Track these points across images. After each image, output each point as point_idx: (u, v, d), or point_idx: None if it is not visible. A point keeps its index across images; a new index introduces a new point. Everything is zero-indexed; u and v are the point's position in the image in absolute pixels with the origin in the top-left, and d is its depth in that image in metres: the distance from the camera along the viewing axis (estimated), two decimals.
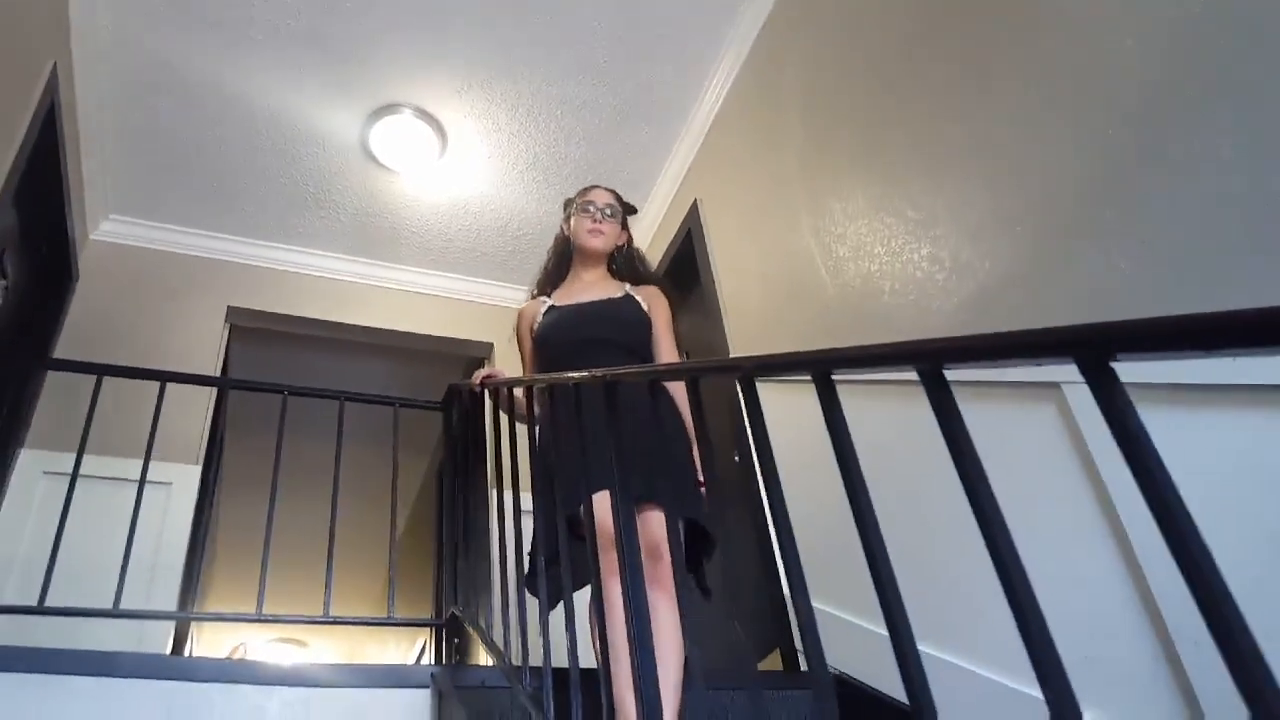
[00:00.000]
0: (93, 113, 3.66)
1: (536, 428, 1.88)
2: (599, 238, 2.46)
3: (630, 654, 1.15)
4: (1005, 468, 1.93)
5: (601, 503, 1.60)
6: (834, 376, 0.82)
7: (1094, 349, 0.55)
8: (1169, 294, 1.71)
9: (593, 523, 1.48)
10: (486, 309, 4.81)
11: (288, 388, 2.79)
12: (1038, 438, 1.96)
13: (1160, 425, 1.59)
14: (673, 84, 3.84)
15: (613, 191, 2.60)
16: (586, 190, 2.60)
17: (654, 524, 1.87)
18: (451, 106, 3.88)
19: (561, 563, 1.50)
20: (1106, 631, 1.71)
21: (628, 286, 2.45)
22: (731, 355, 3.42)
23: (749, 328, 3.41)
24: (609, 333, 2.30)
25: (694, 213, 3.96)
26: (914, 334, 2.43)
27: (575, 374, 1.42)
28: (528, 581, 1.87)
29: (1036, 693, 0.65)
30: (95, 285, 4.03)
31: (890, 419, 2.38)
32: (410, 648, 6.85)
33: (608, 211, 2.50)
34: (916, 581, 1.96)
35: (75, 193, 3.76)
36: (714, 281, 3.69)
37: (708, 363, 1.97)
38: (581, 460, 1.48)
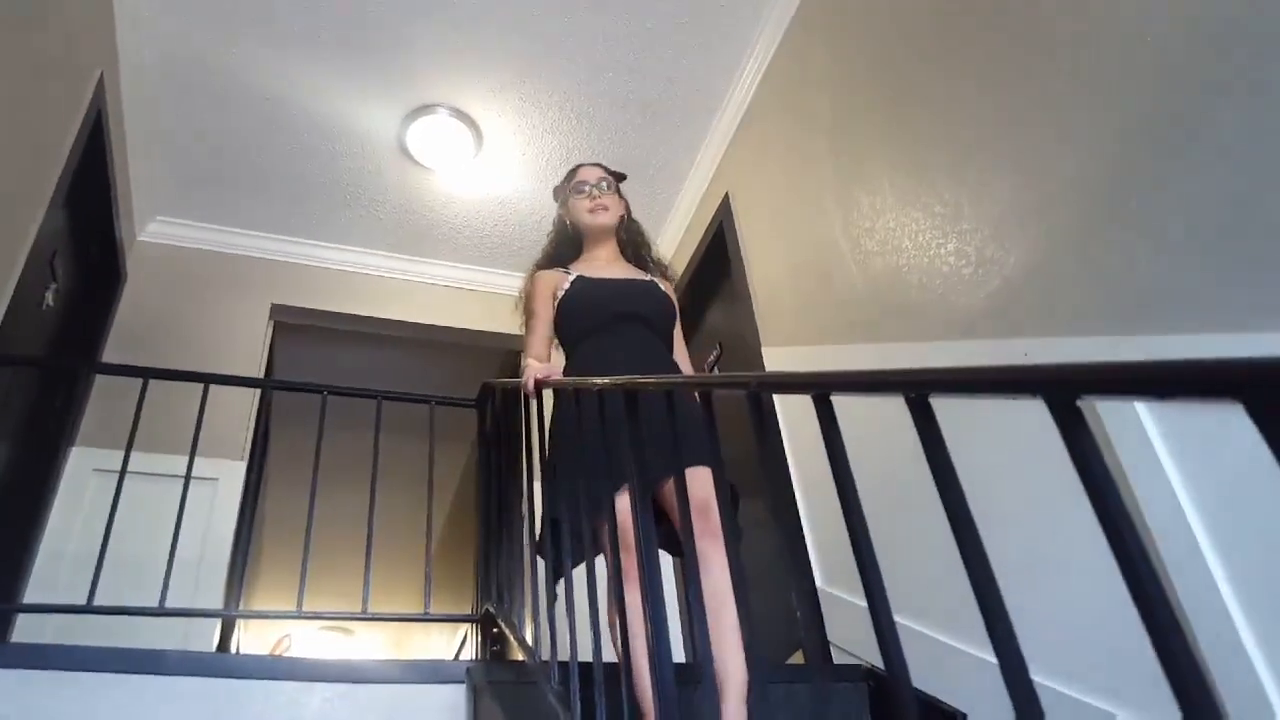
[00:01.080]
0: (138, 117, 3.76)
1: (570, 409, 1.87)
2: (604, 214, 2.43)
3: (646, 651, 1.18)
4: (1024, 461, 1.94)
5: (623, 501, 1.61)
6: (832, 397, 0.83)
7: (1063, 389, 0.56)
8: (1190, 287, 1.68)
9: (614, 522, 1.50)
10: None
11: (327, 388, 2.86)
12: (1049, 426, 1.94)
13: (1187, 426, 1.58)
14: (703, 79, 3.84)
15: (599, 165, 2.58)
16: (573, 172, 2.57)
17: (702, 480, 1.81)
18: (486, 105, 3.92)
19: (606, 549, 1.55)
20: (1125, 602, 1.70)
21: (644, 273, 2.46)
22: (762, 344, 3.43)
23: (779, 319, 3.41)
24: (640, 308, 2.29)
25: (725, 205, 3.96)
26: (942, 328, 2.41)
27: (609, 381, 1.43)
28: (538, 546, 1.91)
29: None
30: (142, 285, 4.15)
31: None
32: (453, 635, 6.97)
33: (603, 186, 2.47)
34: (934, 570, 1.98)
35: (122, 195, 3.87)
36: (745, 273, 3.69)
37: (717, 378, 2.00)
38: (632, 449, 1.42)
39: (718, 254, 3.95)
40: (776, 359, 3.30)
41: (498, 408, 2.67)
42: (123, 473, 2.58)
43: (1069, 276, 2.00)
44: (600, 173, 2.50)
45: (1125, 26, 1.90)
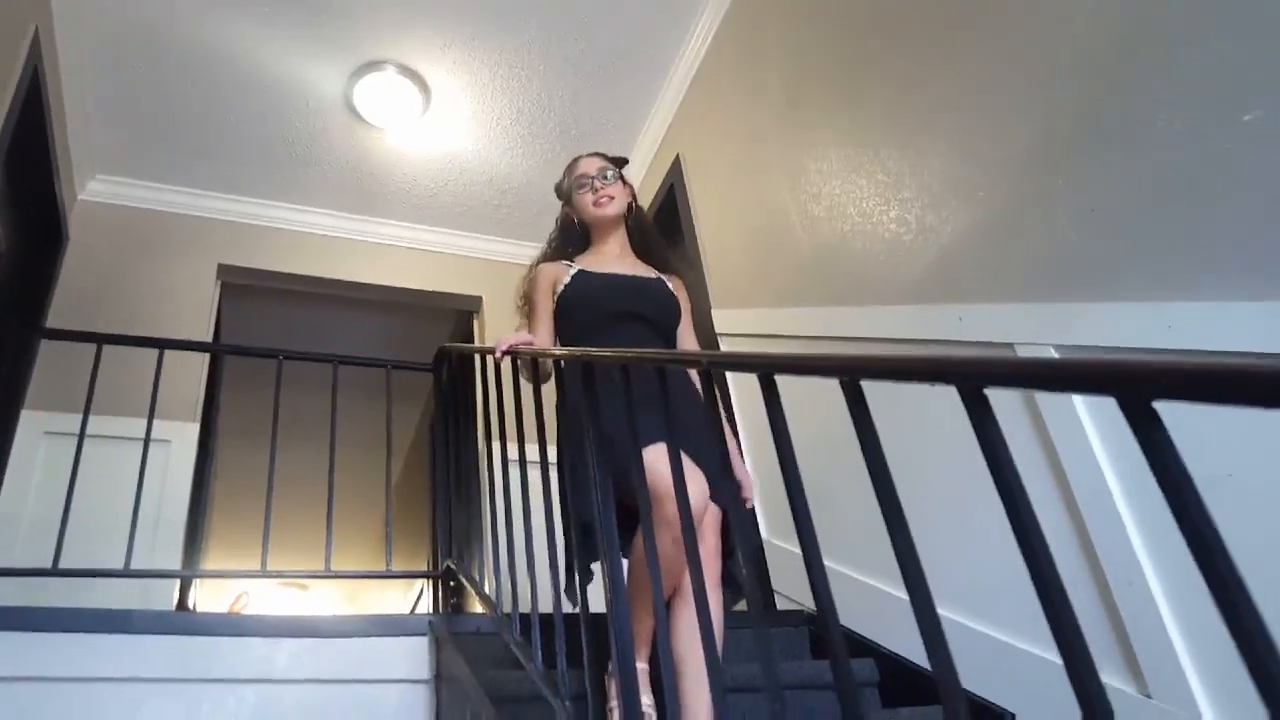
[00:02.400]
0: (75, 74, 3.67)
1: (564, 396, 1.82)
2: (609, 204, 2.32)
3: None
4: (959, 422, 2.07)
5: (653, 454, 1.57)
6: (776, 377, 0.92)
7: (968, 379, 0.65)
8: (1112, 259, 1.81)
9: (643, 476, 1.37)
10: (475, 262, 4.88)
11: (282, 352, 2.88)
12: (995, 396, 2.07)
13: None
14: (654, 39, 3.87)
15: (599, 154, 2.47)
16: (573, 166, 2.45)
17: (697, 488, 1.76)
18: (434, 63, 3.89)
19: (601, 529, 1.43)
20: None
21: (654, 270, 2.36)
22: (712, 306, 3.52)
23: (729, 281, 3.50)
24: (643, 308, 2.20)
25: (676, 168, 4.01)
26: (884, 292, 2.52)
27: (597, 350, 1.41)
28: (568, 592, 1.76)
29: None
30: (86, 246, 4.09)
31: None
32: (409, 588, 7.07)
33: (606, 175, 2.35)
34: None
35: (61, 154, 3.79)
36: (696, 236, 3.76)
37: (674, 354, 2.05)
38: (628, 423, 1.36)
39: (669, 215, 4.01)
40: (726, 321, 3.40)
41: (454, 371, 2.72)
42: (81, 437, 2.60)
43: (1001, 247, 2.12)
44: (600, 162, 2.39)
45: (1055, 14, 1.99)
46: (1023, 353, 2.00)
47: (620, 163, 2.44)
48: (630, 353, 1.18)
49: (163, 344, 2.83)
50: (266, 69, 3.83)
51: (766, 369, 0.88)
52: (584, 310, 2.19)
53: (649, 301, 2.23)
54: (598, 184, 2.33)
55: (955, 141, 2.29)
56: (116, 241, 4.19)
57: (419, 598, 6.41)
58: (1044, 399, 1.93)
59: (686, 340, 2.34)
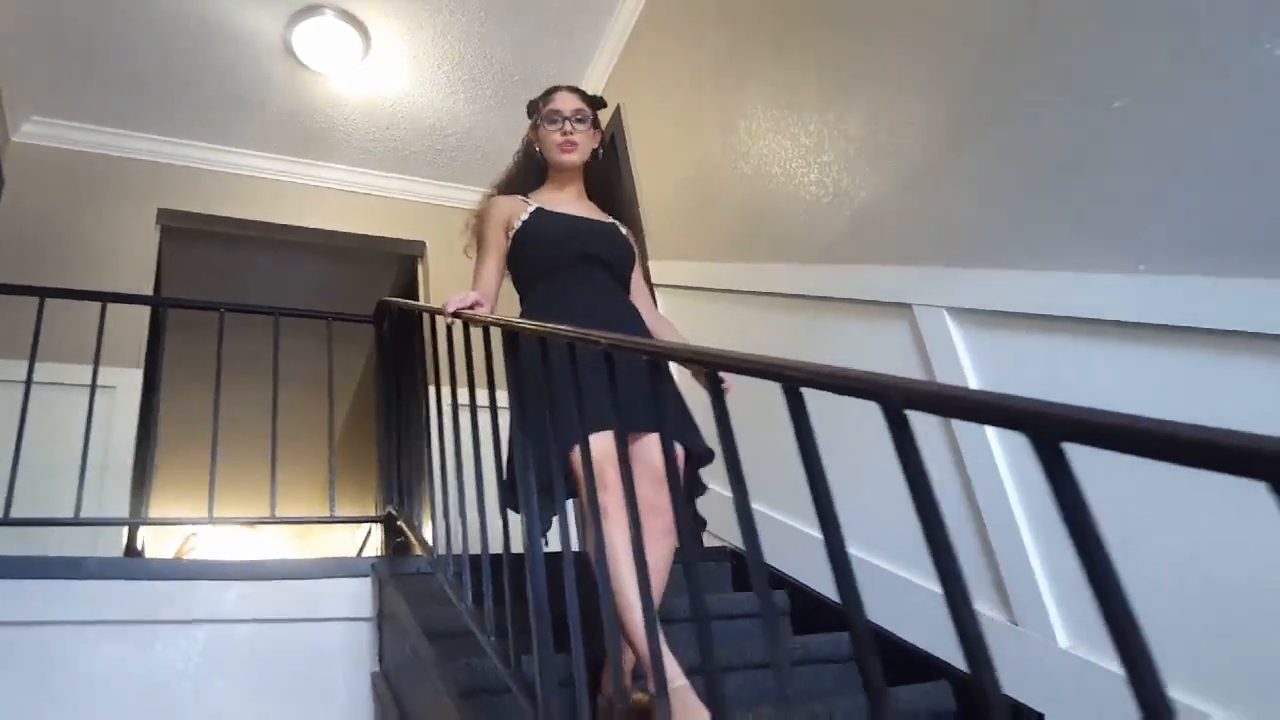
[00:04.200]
0: (3, 7, 3.59)
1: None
2: (572, 151, 2.21)
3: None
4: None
5: (599, 443, 1.59)
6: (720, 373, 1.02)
7: (887, 399, 0.74)
8: (999, 229, 1.96)
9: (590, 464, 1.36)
10: (419, 207, 4.90)
11: (223, 305, 2.94)
12: (892, 350, 2.25)
13: (986, 346, 1.87)
14: None
15: (578, 91, 2.31)
16: (550, 94, 2.29)
17: (656, 451, 1.82)
18: (374, 7, 3.87)
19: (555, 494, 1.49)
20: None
21: (607, 215, 2.30)
22: (649, 257, 3.62)
23: (664, 233, 3.60)
24: (601, 251, 2.16)
25: (618, 117, 4.07)
26: (804, 251, 2.66)
27: (569, 332, 1.34)
28: (506, 499, 1.78)
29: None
30: (22, 188, 4.03)
31: (778, 326, 2.68)
32: (357, 530, 7.20)
33: (578, 118, 2.22)
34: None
35: None
36: (635, 187, 3.85)
37: (634, 344, 2.12)
38: (578, 402, 1.35)
39: (610, 164, 4.07)
40: (661, 272, 3.52)
41: (395, 323, 2.81)
42: (27, 391, 2.64)
43: (905, 212, 2.27)
44: (577, 102, 2.25)
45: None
46: (919, 313, 2.16)
47: (598, 103, 2.33)
48: (603, 336, 1.21)
49: (105, 297, 2.86)
50: (204, 10, 3.77)
51: (711, 365, 0.99)
52: (545, 251, 2.12)
53: (605, 245, 2.18)
54: (567, 126, 2.21)
55: (871, 110, 2.41)
56: (54, 184, 4.15)
57: (367, 537, 6.55)
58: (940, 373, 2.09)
59: (640, 288, 2.32)
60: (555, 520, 1.49)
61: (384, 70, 4.18)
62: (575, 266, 2.11)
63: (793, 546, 2.46)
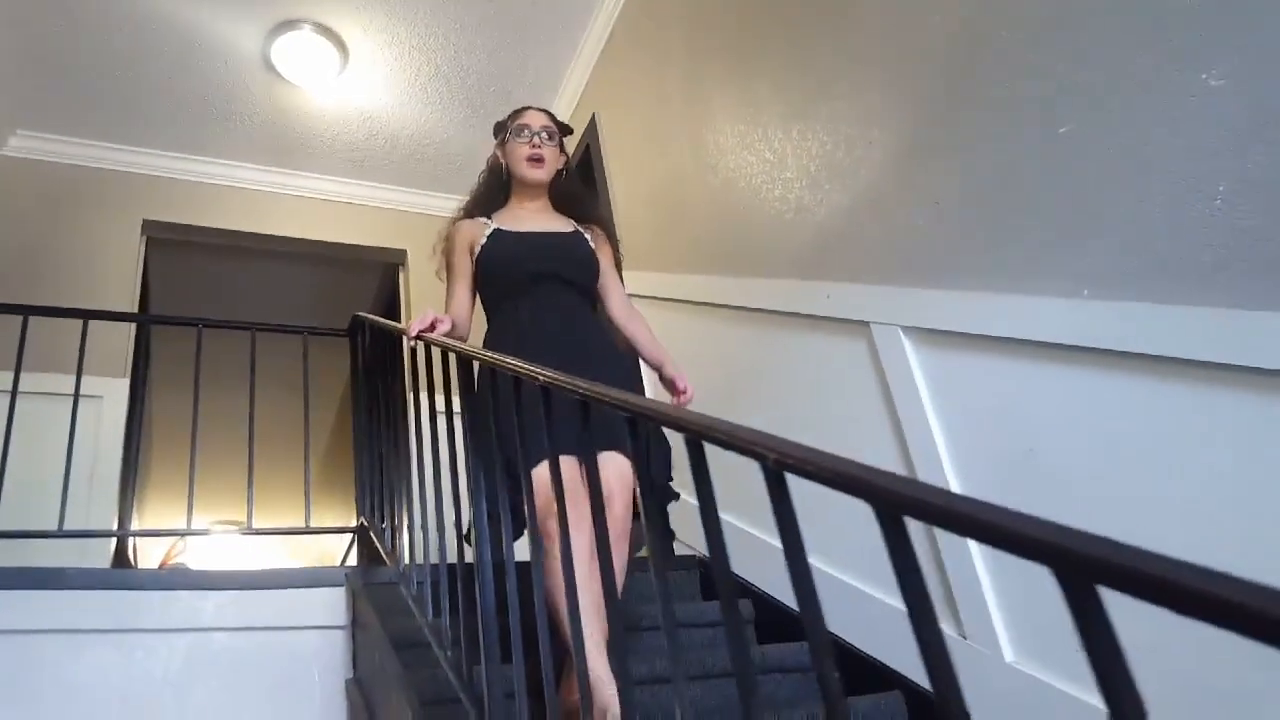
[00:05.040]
0: None
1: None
2: (539, 168, 2.23)
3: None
4: (825, 388, 2.32)
5: (543, 472, 1.51)
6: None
7: (886, 503, 0.67)
8: (952, 251, 2.03)
9: (532, 490, 1.43)
10: (399, 215, 4.97)
11: (202, 321, 3.02)
12: (851, 368, 2.32)
13: (939, 365, 1.95)
14: None
15: (547, 112, 2.36)
16: (520, 113, 2.33)
17: (614, 469, 1.84)
18: (350, 21, 3.94)
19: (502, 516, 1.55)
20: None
21: (574, 224, 2.29)
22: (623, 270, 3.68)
23: (635, 243, 3.65)
24: (561, 269, 2.16)
25: (593, 127, 4.14)
26: (768, 267, 2.74)
27: (543, 373, 1.29)
28: (468, 537, 1.77)
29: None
30: (9, 202, 4.11)
31: (742, 340, 2.76)
32: (350, 519, 7.25)
33: (545, 135, 2.26)
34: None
35: None
36: (610, 196, 3.92)
37: (604, 396, 2.11)
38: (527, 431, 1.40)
39: (584, 174, 4.14)
40: (630, 282, 3.58)
41: (369, 340, 2.88)
42: (13, 400, 2.72)
43: (864, 231, 2.34)
44: (545, 120, 2.30)
45: (915, 22, 2.17)
46: (876, 331, 2.23)
47: (565, 130, 2.37)
48: (558, 377, 1.23)
49: (87, 314, 2.95)
50: (183, 25, 3.84)
51: (694, 433, 0.94)
52: (503, 273, 2.14)
53: (568, 261, 2.18)
54: (536, 140, 2.24)
55: (831, 128, 2.48)
56: (40, 197, 4.22)
57: (351, 544, 6.63)
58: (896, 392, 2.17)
59: (612, 292, 2.30)
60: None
61: (361, 82, 4.25)
62: (532, 287, 2.12)
63: (756, 556, 2.52)
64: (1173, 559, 0.41)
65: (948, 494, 0.59)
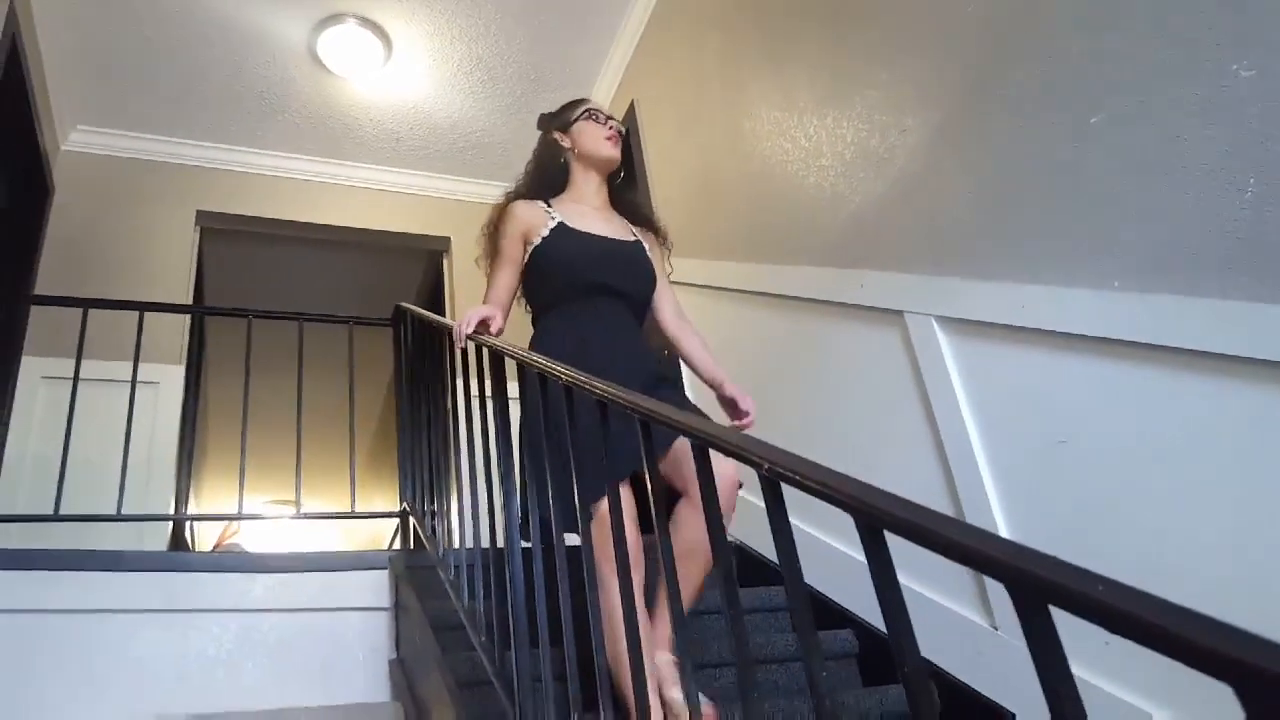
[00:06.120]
0: (52, 25, 3.78)
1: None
2: (618, 145, 2.16)
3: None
4: (859, 377, 2.32)
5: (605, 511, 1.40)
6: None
7: (868, 517, 0.69)
8: (985, 240, 2.01)
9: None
10: (443, 203, 5.05)
11: (251, 311, 3.11)
12: (885, 358, 2.32)
13: (971, 355, 1.94)
14: None
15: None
16: (578, 101, 2.25)
17: (687, 457, 1.74)
18: (394, 13, 3.99)
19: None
20: (922, 490, 2.12)
21: (632, 228, 2.19)
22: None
23: (674, 230, 3.64)
24: (620, 283, 2.04)
25: (632, 113, 4.15)
26: (803, 255, 2.73)
27: (600, 386, 1.27)
28: (522, 527, 1.68)
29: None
30: (71, 196, 4.26)
31: (777, 327, 2.77)
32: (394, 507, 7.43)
33: (615, 120, 2.21)
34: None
35: (43, 107, 3.94)
36: (647, 183, 3.93)
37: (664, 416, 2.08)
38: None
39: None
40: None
41: (411, 330, 2.93)
42: (74, 388, 2.84)
43: (899, 219, 2.32)
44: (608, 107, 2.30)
45: (950, 5, 2.15)
46: (910, 321, 2.22)
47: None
48: (620, 396, 1.22)
49: (143, 307, 3.07)
50: (233, 21, 3.94)
51: (700, 440, 1.00)
52: (560, 275, 2.01)
53: (627, 274, 2.06)
54: (612, 122, 2.16)
55: (866, 116, 2.46)
56: (99, 190, 4.37)
57: (397, 528, 6.78)
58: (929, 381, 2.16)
59: (665, 302, 2.20)
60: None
61: (405, 73, 4.31)
62: (590, 295, 2.00)
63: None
64: (1117, 584, 0.42)
65: (922, 510, 0.61)
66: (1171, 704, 1.48)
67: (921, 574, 2.09)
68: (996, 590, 1.91)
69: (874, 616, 2.24)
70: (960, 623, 1.98)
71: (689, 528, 1.73)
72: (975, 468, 2.00)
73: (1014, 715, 1.81)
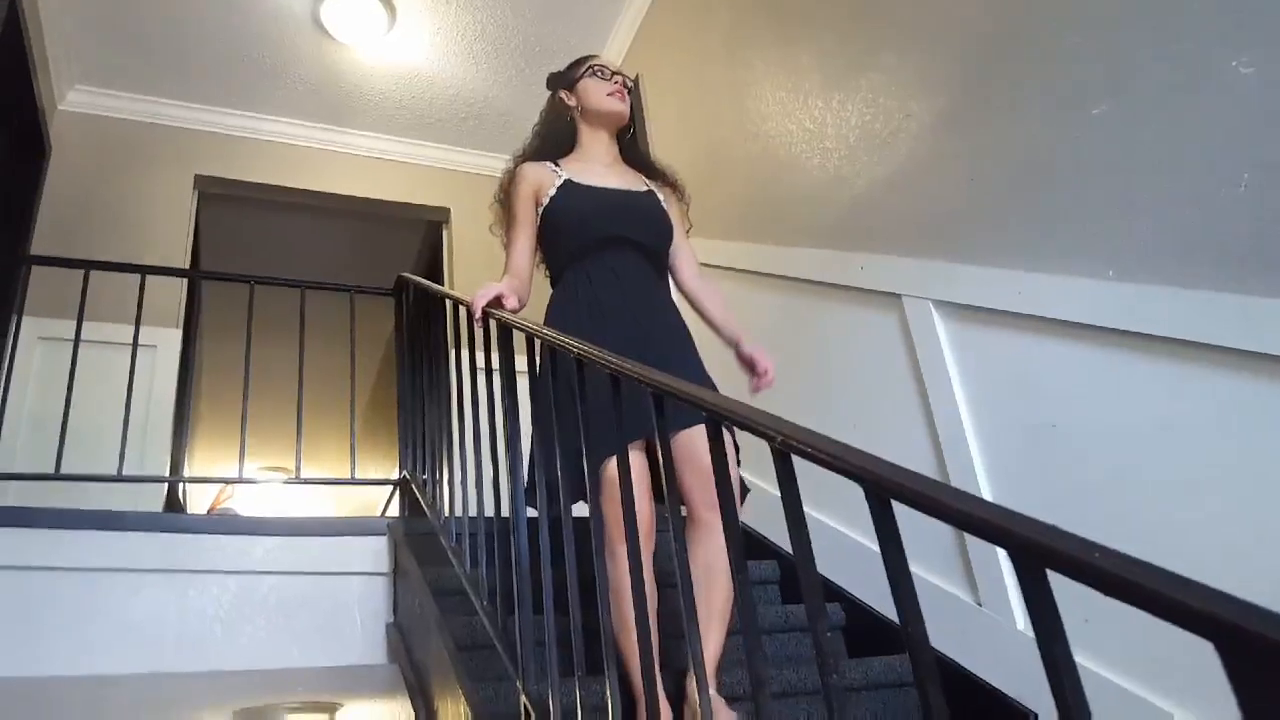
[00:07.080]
0: None
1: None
2: (624, 100, 2.12)
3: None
4: (856, 357, 2.36)
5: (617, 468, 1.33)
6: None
7: (877, 488, 0.76)
8: (984, 226, 2.05)
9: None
10: (443, 174, 5.04)
11: (253, 278, 3.12)
12: (882, 340, 2.35)
13: (967, 341, 1.98)
14: None
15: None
16: (583, 59, 2.22)
17: (704, 448, 1.65)
18: None
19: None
20: (913, 468, 2.15)
21: (647, 181, 2.15)
22: None
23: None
24: (634, 232, 2.00)
25: (636, 88, 4.14)
26: (805, 233, 2.76)
27: (612, 360, 1.25)
28: (528, 495, 1.68)
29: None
30: (68, 156, 4.23)
31: (778, 307, 2.80)
32: (393, 468, 7.45)
33: (620, 75, 2.17)
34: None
35: (40, 64, 3.90)
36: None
37: (678, 388, 2.11)
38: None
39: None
40: None
41: (413, 300, 2.95)
42: (75, 350, 2.84)
43: (900, 203, 2.35)
44: (615, 65, 2.20)
45: None
46: (907, 304, 2.26)
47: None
48: (632, 370, 1.19)
49: (144, 270, 3.07)
50: None
51: (713, 415, 1.01)
52: (571, 232, 1.98)
53: (641, 223, 2.02)
54: (617, 78, 2.13)
55: (870, 99, 2.48)
56: (97, 151, 4.34)
57: (390, 496, 6.81)
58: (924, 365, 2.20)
59: (683, 258, 2.15)
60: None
61: (409, 41, 4.29)
62: (602, 251, 1.97)
63: (845, 553, 2.40)
64: (1112, 550, 0.46)
65: (929, 481, 0.65)
66: (1193, 704, 1.47)
67: (913, 554, 2.14)
68: (981, 568, 1.96)
69: (861, 590, 2.30)
70: (946, 598, 2.03)
71: (703, 549, 1.70)
72: (966, 448, 2.04)
73: (998, 689, 1.87)
